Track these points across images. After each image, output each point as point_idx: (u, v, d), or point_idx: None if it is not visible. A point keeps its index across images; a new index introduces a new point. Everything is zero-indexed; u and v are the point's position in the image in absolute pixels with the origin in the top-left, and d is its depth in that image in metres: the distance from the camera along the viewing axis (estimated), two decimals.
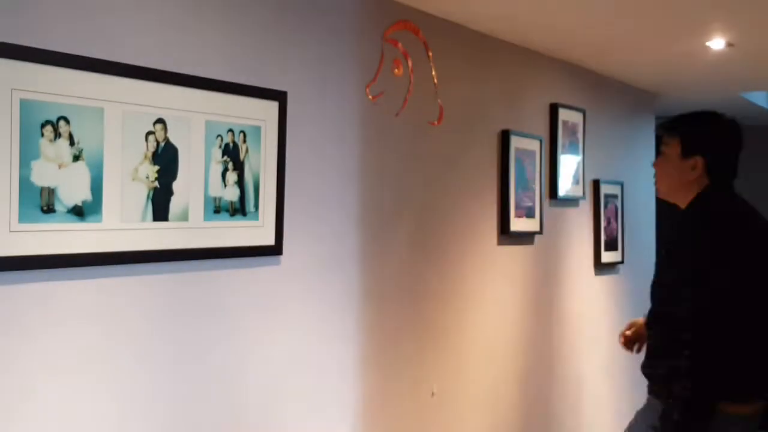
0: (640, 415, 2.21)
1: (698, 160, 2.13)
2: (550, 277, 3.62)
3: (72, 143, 1.73)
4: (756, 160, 6.42)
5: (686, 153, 2.14)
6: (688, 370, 1.92)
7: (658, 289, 2.12)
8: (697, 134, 2.17)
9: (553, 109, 3.63)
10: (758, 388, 2.04)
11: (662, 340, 2.07)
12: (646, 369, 2.17)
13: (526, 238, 3.43)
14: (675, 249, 2.08)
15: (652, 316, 2.15)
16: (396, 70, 2.70)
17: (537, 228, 3.47)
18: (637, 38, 3.34)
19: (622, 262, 4.22)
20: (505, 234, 3.27)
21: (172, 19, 1.96)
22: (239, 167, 2.12)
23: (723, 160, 2.18)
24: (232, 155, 2.11)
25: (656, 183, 2.25)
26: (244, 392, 2.17)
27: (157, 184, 1.92)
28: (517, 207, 3.33)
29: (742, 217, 2.14)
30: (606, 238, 4.08)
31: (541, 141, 3.50)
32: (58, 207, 1.71)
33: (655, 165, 2.25)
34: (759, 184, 6.44)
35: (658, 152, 2.27)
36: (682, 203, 2.18)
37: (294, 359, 2.32)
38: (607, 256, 4.08)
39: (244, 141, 2.13)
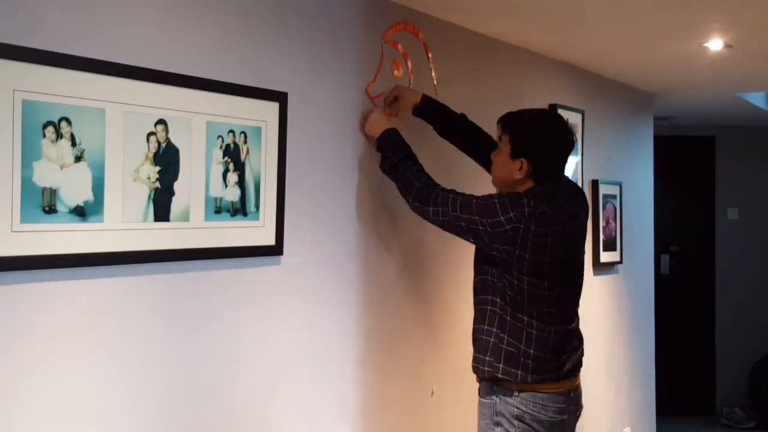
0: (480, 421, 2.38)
1: (524, 163, 2.29)
2: None
3: (74, 144, 1.74)
4: (756, 160, 6.45)
5: (514, 154, 2.31)
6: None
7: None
8: (525, 138, 2.32)
9: (553, 110, 3.64)
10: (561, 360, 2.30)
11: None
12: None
13: None
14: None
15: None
16: (396, 71, 2.70)
17: None
18: (635, 39, 3.35)
19: (620, 262, 4.23)
20: None
21: (173, 20, 1.97)
22: (240, 168, 2.13)
23: (547, 166, 2.33)
24: (233, 156, 2.11)
25: (491, 171, 2.48)
26: (244, 392, 2.17)
27: (158, 184, 1.92)
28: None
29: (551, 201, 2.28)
30: (605, 239, 4.09)
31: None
32: (59, 207, 1.72)
33: (492, 155, 2.44)
34: (759, 184, 6.46)
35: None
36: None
37: (294, 359, 2.32)
38: (605, 256, 4.09)
39: (245, 142, 2.14)
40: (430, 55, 2.86)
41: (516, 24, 3.05)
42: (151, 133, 1.90)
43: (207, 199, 2.05)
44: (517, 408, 2.25)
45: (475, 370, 2.36)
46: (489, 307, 2.31)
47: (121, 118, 1.83)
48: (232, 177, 2.11)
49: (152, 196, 1.91)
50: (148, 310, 1.92)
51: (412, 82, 2.77)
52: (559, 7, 2.84)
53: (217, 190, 2.07)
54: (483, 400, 2.34)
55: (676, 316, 6.22)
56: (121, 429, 1.87)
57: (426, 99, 2.65)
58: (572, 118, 3.77)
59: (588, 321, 3.93)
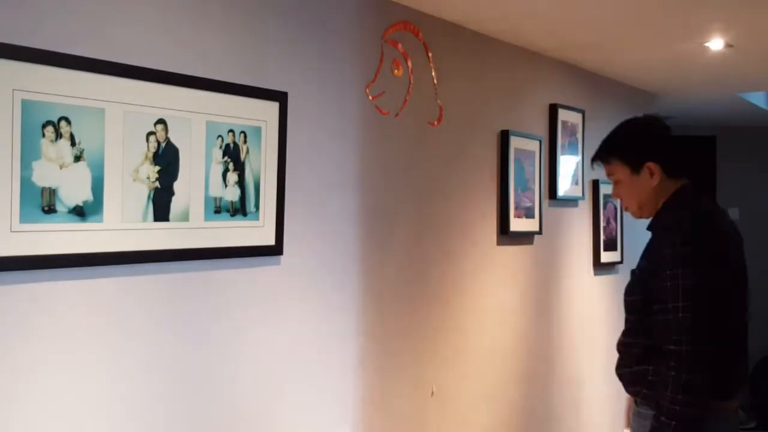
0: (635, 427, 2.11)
1: (650, 167, 2.09)
2: (550, 277, 3.62)
3: (73, 144, 1.74)
4: (756, 160, 6.45)
5: (635, 169, 2.10)
6: (676, 381, 1.89)
7: (638, 297, 2.07)
8: (635, 146, 2.13)
9: (553, 110, 3.64)
10: (739, 383, 2.09)
11: (643, 348, 2.04)
12: (623, 371, 2.12)
13: (525, 238, 3.44)
14: (656, 261, 2.00)
15: (633, 325, 2.10)
16: (396, 71, 2.70)
17: (536, 228, 3.47)
18: (636, 39, 3.35)
19: (621, 262, 4.23)
20: (504, 234, 3.28)
21: (173, 20, 1.97)
22: (240, 167, 2.13)
23: (668, 155, 2.12)
24: (233, 156, 2.11)
25: (627, 209, 2.20)
26: (244, 391, 2.17)
27: (157, 184, 1.92)
28: (516, 207, 3.34)
29: (711, 218, 2.07)
30: (605, 239, 4.09)
31: (540, 141, 3.51)
32: (59, 207, 1.72)
33: (615, 196, 2.22)
34: (760, 184, 6.46)
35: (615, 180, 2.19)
36: (654, 212, 2.13)
37: (294, 359, 2.32)
38: (606, 256, 4.08)
39: (245, 141, 2.14)
40: (430, 54, 2.86)
41: (516, 24, 3.05)
42: (150, 133, 1.90)
43: (207, 199, 2.04)
44: None
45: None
46: None
47: (121, 117, 1.83)
48: (232, 177, 2.11)
49: (152, 195, 1.91)
50: (147, 310, 1.92)
51: (412, 82, 2.77)
52: (559, 6, 2.83)
53: (216, 189, 2.07)
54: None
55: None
56: (121, 428, 1.87)
57: None
58: (572, 118, 3.78)
59: (588, 320, 3.94)
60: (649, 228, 2.12)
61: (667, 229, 2.00)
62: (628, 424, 2.19)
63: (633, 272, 2.14)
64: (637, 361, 2.05)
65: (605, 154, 2.17)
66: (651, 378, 1.98)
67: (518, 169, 3.34)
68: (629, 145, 2.14)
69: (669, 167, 2.10)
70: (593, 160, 2.23)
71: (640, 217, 2.18)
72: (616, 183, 2.17)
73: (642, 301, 2.03)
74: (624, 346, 2.12)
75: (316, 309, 2.39)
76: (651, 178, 2.09)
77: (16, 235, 1.64)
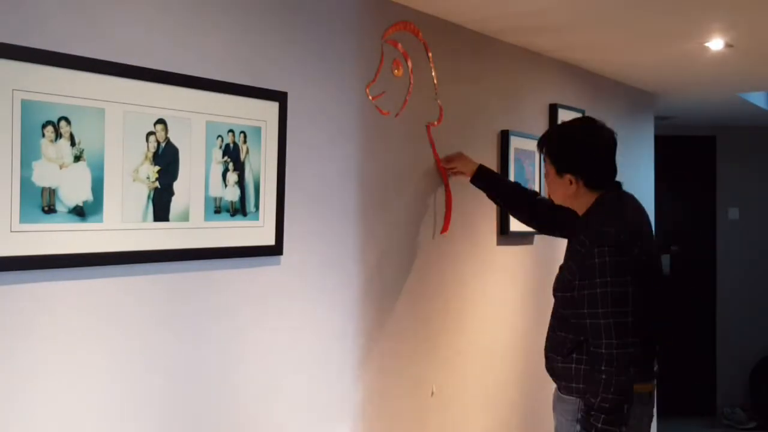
0: (560, 414, 2.35)
1: (571, 178, 2.30)
2: (550, 277, 3.61)
3: (73, 144, 1.74)
4: (756, 160, 6.45)
5: (559, 172, 2.33)
6: (607, 383, 2.11)
7: (565, 293, 2.28)
8: (563, 154, 2.33)
9: (553, 110, 3.64)
10: (652, 367, 2.32)
11: (571, 343, 2.26)
12: (553, 364, 2.34)
13: (525, 238, 3.44)
14: (586, 269, 2.18)
15: (559, 318, 2.33)
16: (396, 71, 2.70)
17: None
18: (636, 39, 3.35)
19: None
20: (504, 234, 3.28)
21: (173, 19, 1.97)
22: (240, 168, 2.13)
23: (595, 173, 2.31)
24: (233, 156, 2.11)
25: (549, 194, 2.45)
26: (244, 392, 2.17)
27: (157, 184, 1.92)
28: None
29: (632, 226, 2.25)
30: None
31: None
32: (59, 207, 1.72)
33: (545, 180, 2.45)
34: (760, 184, 6.46)
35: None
36: (580, 211, 2.35)
37: (294, 359, 2.32)
38: None
39: (245, 141, 2.14)
40: (430, 54, 2.86)
41: (516, 24, 3.05)
42: (150, 133, 1.90)
43: (206, 199, 2.04)
44: None
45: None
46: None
47: (121, 117, 1.83)
48: (232, 177, 2.11)
49: (152, 195, 1.91)
50: (147, 311, 1.92)
51: (412, 82, 2.77)
52: (559, 6, 2.83)
53: (216, 189, 2.07)
54: (566, 397, 2.31)
55: (677, 316, 6.22)
56: (121, 429, 1.87)
57: (481, 169, 2.86)
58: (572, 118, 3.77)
59: None
60: (572, 229, 2.36)
61: (594, 240, 2.17)
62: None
63: (562, 269, 2.36)
64: (568, 354, 2.27)
65: (541, 146, 2.41)
66: (582, 376, 2.23)
67: (518, 169, 3.34)
68: (556, 151, 2.35)
69: (589, 181, 2.30)
70: (538, 144, 2.46)
71: (562, 204, 2.42)
72: (545, 171, 2.41)
73: (575, 300, 2.22)
74: (556, 338, 2.34)
75: (316, 309, 2.39)
76: (570, 185, 2.31)
77: (16, 235, 1.64)
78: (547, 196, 2.54)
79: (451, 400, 2.98)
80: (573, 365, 2.26)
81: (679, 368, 6.10)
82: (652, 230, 2.41)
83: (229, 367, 2.13)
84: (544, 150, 2.39)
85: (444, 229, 2.93)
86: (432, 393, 2.88)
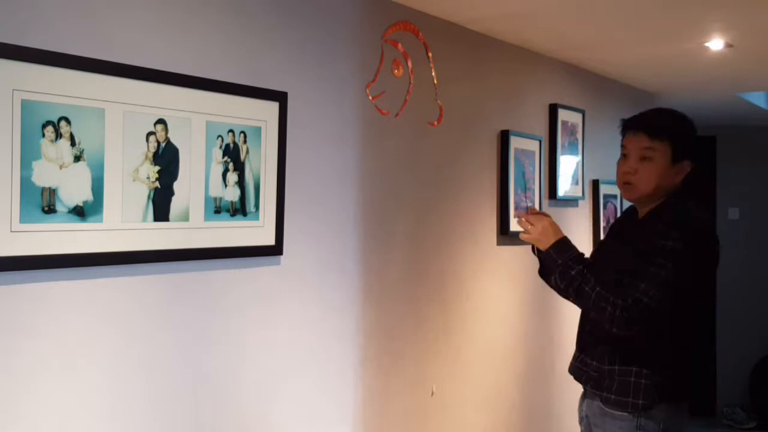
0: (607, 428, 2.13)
1: (686, 166, 2.10)
2: None
3: (73, 144, 1.74)
4: (756, 160, 6.45)
5: (676, 159, 2.08)
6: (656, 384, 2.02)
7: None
8: (688, 141, 2.10)
9: (553, 110, 3.64)
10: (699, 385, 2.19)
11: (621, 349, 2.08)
12: (593, 372, 2.16)
13: None
14: (654, 247, 1.99)
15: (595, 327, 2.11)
16: (396, 71, 2.70)
17: None
18: (636, 39, 3.35)
19: None
20: (504, 234, 3.28)
21: (173, 20, 1.97)
22: (240, 168, 2.13)
23: (699, 158, 2.14)
24: (233, 156, 2.11)
25: (632, 184, 2.12)
26: (244, 392, 2.17)
27: (157, 184, 1.92)
28: (516, 207, 3.34)
29: (706, 226, 2.10)
30: None
31: (540, 141, 3.51)
32: (59, 207, 1.72)
33: (631, 169, 2.11)
34: (760, 184, 6.46)
35: (624, 151, 2.14)
36: (648, 206, 2.13)
37: (294, 359, 2.32)
38: None
39: (245, 141, 2.14)
40: (430, 54, 2.86)
41: (516, 24, 3.05)
42: (150, 133, 1.90)
43: (206, 199, 2.04)
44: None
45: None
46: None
47: (121, 117, 1.83)
48: (232, 177, 2.11)
49: (152, 195, 1.91)
50: (147, 311, 1.92)
51: (412, 82, 2.77)
52: (559, 6, 2.83)
53: (216, 190, 2.07)
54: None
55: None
56: (121, 428, 1.87)
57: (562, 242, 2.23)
58: (572, 118, 3.78)
59: None
60: (642, 217, 2.14)
61: (675, 224, 2.00)
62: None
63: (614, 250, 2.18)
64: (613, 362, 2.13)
65: (658, 129, 2.08)
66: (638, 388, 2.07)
67: (518, 169, 3.35)
68: (686, 136, 2.10)
69: (692, 173, 2.11)
70: (631, 126, 2.13)
71: (636, 197, 2.14)
72: (643, 158, 2.09)
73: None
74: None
75: (316, 309, 2.40)
76: (676, 176, 2.09)
77: (16, 235, 1.64)
78: (621, 186, 2.18)
79: (451, 400, 2.98)
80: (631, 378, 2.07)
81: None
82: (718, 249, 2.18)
83: (229, 367, 2.13)
84: (663, 134, 2.07)
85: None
86: (432, 393, 2.89)
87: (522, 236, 2.24)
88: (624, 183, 2.15)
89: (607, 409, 2.09)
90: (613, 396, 2.07)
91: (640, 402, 2.04)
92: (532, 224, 2.20)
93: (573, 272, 2.07)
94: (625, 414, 2.06)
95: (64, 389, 1.75)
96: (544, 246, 2.16)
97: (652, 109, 2.22)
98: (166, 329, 1.96)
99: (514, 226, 3.31)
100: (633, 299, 1.96)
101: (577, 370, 2.24)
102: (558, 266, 2.11)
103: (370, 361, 2.60)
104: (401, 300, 2.75)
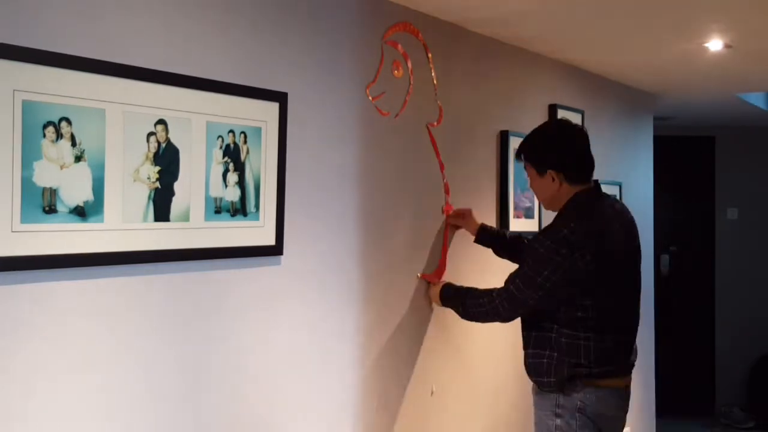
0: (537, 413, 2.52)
1: (553, 174, 2.43)
2: None
3: (74, 144, 1.74)
4: (755, 160, 6.45)
5: (540, 172, 2.46)
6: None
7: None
8: (540, 152, 2.47)
9: (552, 110, 3.64)
10: (627, 361, 2.48)
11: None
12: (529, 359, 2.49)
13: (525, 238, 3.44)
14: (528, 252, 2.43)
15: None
16: (396, 72, 2.71)
17: (536, 228, 3.47)
18: (635, 39, 3.35)
19: None
20: None
21: (173, 20, 1.97)
22: (240, 168, 2.13)
23: (573, 165, 2.45)
24: (233, 156, 2.11)
25: (538, 200, 2.61)
26: (244, 392, 2.17)
27: (158, 184, 1.92)
28: (516, 207, 3.34)
29: (599, 213, 2.42)
30: None
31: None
32: (59, 207, 1.72)
33: (530, 186, 2.59)
34: (759, 184, 6.46)
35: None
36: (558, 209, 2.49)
37: (294, 358, 2.32)
38: None
39: (245, 142, 2.14)
40: (430, 55, 2.86)
41: (516, 24, 3.05)
42: (151, 133, 1.90)
43: (207, 199, 2.05)
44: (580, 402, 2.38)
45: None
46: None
47: (121, 118, 1.83)
48: (232, 177, 2.11)
49: (152, 196, 1.91)
50: (147, 311, 1.92)
51: (412, 83, 2.77)
52: (559, 7, 2.84)
53: (217, 190, 2.07)
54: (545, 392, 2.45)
55: (676, 316, 6.22)
56: (121, 428, 1.87)
57: (482, 229, 2.95)
58: (572, 118, 3.77)
59: None
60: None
61: (546, 235, 2.39)
62: None
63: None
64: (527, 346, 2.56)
65: (519, 152, 2.56)
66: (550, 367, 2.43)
67: (518, 169, 3.35)
68: (537, 152, 2.49)
69: (569, 175, 2.43)
70: (516, 155, 2.65)
71: (550, 209, 2.54)
72: (529, 178, 2.55)
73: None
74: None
75: (317, 309, 2.40)
76: (553, 182, 2.44)
77: (16, 235, 1.64)
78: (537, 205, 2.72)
79: (451, 400, 2.99)
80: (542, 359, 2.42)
81: (678, 368, 6.10)
82: (629, 232, 2.51)
83: (229, 367, 2.13)
84: (522, 156, 2.52)
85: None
86: (432, 393, 2.89)
87: (430, 301, 2.84)
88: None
89: (537, 388, 2.48)
90: (534, 377, 2.45)
91: (553, 380, 2.37)
92: (429, 292, 2.83)
93: (459, 308, 2.63)
94: (547, 393, 2.41)
95: (64, 389, 1.75)
96: (442, 304, 2.76)
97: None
98: (166, 329, 1.97)
99: (514, 226, 3.32)
100: (498, 293, 2.46)
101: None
102: (454, 309, 2.67)
103: (370, 361, 2.60)
104: (401, 300, 2.75)
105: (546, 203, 2.54)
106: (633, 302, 2.49)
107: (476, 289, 2.59)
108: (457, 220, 2.95)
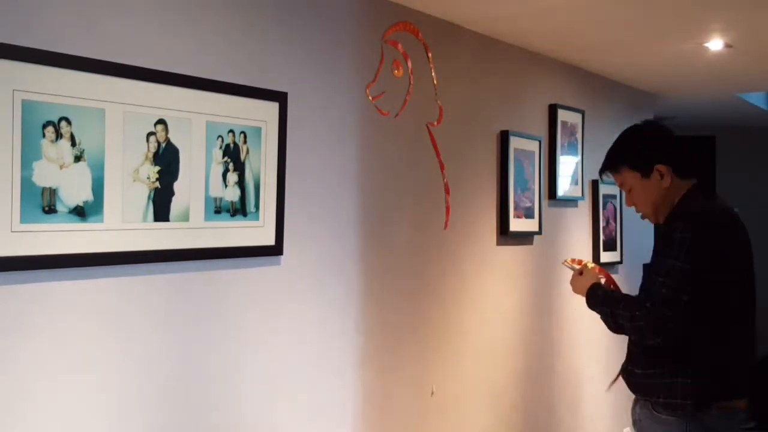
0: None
1: (660, 169, 2.13)
2: (550, 277, 3.62)
3: (73, 144, 1.74)
4: (756, 160, 6.45)
5: (645, 174, 2.14)
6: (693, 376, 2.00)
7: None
8: (642, 152, 2.16)
9: (552, 110, 3.64)
10: (745, 383, 2.18)
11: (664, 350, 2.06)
12: (649, 379, 2.11)
13: (525, 238, 3.44)
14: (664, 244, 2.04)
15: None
16: (396, 71, 2.70)
17: (536, 228, 3.47)
18: (636, 39, 3.35)
19: (620, 262, 4.23)
20: (504, 234, 3.28)
21: (173, 20, 1.97)
22: (240, 168, 2.13)
23: (676, 157, 2.15)
24: (233, 156, 2.11)
25: (643, 215, 2.22)
26: (244, 392, 2.17)
27: (158, 184, 1.92)
28: (516, 207, 3.34)
29: (721, 217, 2.11)
30: (605, 239, 4.09)
31: (540, 142, 3.51)
32: (59, 207, 1.72)
33: (629, 203, 2.24)
34: (759, 184, 6.46)
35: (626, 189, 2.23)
36: (664, 216, 2.16)
37: (294, 358, 2.32)
38: (605, 256, 4.09)
39: (245, 142, 2.14)
40: (430, 55, 2.86)
41: (516, 24, 3.05)
42: (150, 133, 1.90)
43: (207, 199, 2.04)
44: None
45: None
46: None
47: (121, 118, 1.83)
48: (232, 177, 2.11)
49: (152, 196, 1.91)
50: (147, 311, 1.92)
51: (412, 82, 2.77)
52: (559, 6, 2.83)
53: (216, 190, 2.07)
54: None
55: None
56: (121, 428, 1.87)
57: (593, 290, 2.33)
58: (572, 118, 3.78)
59: (588, 320, 3.93)
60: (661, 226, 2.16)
61: (679, 217, 2.05)
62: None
63: (645, 266, 2.18)
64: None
65: (614, 163, 2.20)
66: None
67: (518, 170, 3.35)
68: (636, 151, 2.17)
69: (678, 168, 2.13)
70: (602, 171, 2.26)
71: (657, 221, 2.19)
72: (628, 191, 2.20)
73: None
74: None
75: (316, 308, 2.40)
76: (662, 180, 2.12)
77: (16, 235, 1.64)
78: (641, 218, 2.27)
79: (451, 400, 2.99)
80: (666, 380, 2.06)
81: None
82: (746, 236, 2.21)
83: (229, 367, 2.13)
84: (618, 164, 2.19)
85: (445, 226, 2.94)
86: (432, 393, 2.89)
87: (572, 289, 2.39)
88: (639, 214, 2.26)
89: (656, 413, 2.09)
90: (661, 399, 2.06)
91: (689, 403, 2.03)
92: (573, 278, 2.36)
93: (604, 315, 2.16)
94: (673, 418, 2.05)
95: (64, 389, 1.75)
96: (586, 303, 2.26)
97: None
98: (166, 329, 1.96)
99: (515, 226, 3.32)
100: (652, 301, 1.99)
101: (626, 379, 2.22)
102: (599, 314, 2.19)
103: (370, 360, 2.60)
104: (401, 300, 2.75)
105: (655, 208, 2.16)
106: (753, 312, 2.17)
107: (629, 298, 2.12)
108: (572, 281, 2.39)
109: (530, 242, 3.48)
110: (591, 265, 2.38)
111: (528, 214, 3.43)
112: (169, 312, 1.97)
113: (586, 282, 2.29)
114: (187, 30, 2.00)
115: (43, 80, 1.67)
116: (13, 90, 1.63)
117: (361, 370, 2.56)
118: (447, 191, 2.96)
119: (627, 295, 2.16)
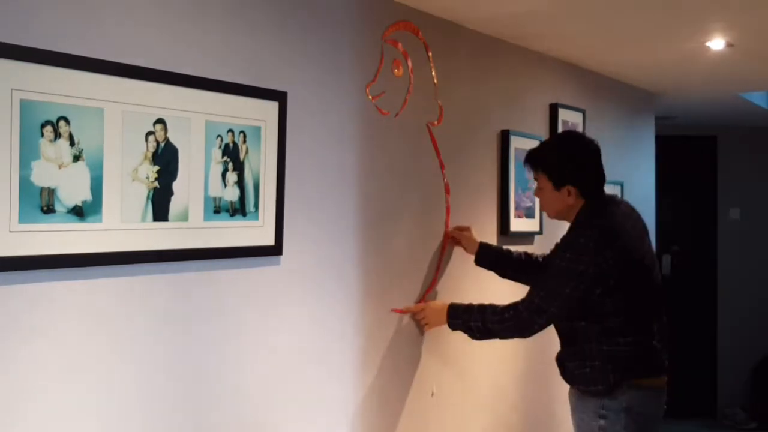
0: (579, 414, 2.54)
1: (570, 189, 2.46)
2: None
3: (72, 143, 1.74)
4: (758, 160, 6.44)
5: (557, 185, 2.47)
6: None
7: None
8: (562, 167, 2.47)
9: (553, 110, 3.64)
10: (662, 361, 2.49)
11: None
12: (576, 370, 2.51)
13: (525, 238, 3.43)
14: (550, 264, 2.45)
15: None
16: (396, 71, 2.70)
17: (537, 228, 3.47)
18: (636, 38, 3.35)
19: None
20: (504, 234, 3.27)
21: (172, 19, 1.97)
22: (239, 167, 2.12)
23: (589, 180, 2.48)
24: (232, 155, 2.11)
25: (543, 209, 2.63)
26: (243, 392, 2.17)
27: (157, 184, 1.92)
28: (516, 207, 3.34)
29: (613, 218, 2.44)
30: None
31: (540, 141, 3.50)
32: (58, 207, 1.71)
33: (536, 195, 2.60)
34: (761, 184, 6.45)
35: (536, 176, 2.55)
36: (570, 220, 2.51)
37: (293, 359, 2.32)
38: None
39: (244, 141, 2.14)
40: (430, 54, 2.86)
41: (516, 24, 3.05)
42: (149, 133, 1.90)
43: (206, 198, 2.04)
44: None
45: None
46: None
47: (120, 117, 1.83)
48: (231, 177, 2.10)
49: (151, 195, 1.91)
50: (146, 311, 1.92)
51: (412, 82, 2.77)
52: (559, 6, 2.83)
53: (216, 189, 2.07)
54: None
55: (678, 317, 6.21)
56: (121, 428, 1.87)
57: (483, 248, 2.87)
58: (573, 118, 3.78)
59: None
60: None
61: (569, 244, 2.41)
62: None
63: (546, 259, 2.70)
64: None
65: (535, 164, 2.53)
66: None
67: (518, 169, 3.34)
68: (554, 165, 2.48)
69: (585, 189, 2.47)
70: (525, 162, 2.58)
71: (556, 219, 2.57)
72: (539, 189, 2.54)
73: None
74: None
75: (316, 309, 2.39)
76: (568, 197, 2.46)
77: (14, 236, 1.64)
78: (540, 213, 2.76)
79: (451, 400, 2.98)
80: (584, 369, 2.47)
81: (680, 369, 6.09)
82: (640, 230, 2.52)
83: (228, 367, 2.12)
84: (538, 167, 2.50)
85: (445, 225, 2.93)
86: (432, 393, 2.88)
87: (425, 328, 2.76)
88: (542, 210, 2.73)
89: (579, 393, 2.51)
90: (582, 387, 2.47)
91: (600, 387, 2.39)
92: (422, 317, 2.71)
93: (472, 324, 2.54)
94: (591, 396, 2.44)
95: (63, 390, 1.75)
96: (443, 323, 2.62)
97: (548, 138, 2.71)
98: (165, 329, 1.96)
99: (515, 226, 3.31)
100: (525, 305, 2.43)
101: (560, 372, 2.61)
102: (464, 329, 2.57)
103: (369, 361, 2.60)
104: (401, 300, 2.74)
105: (554, 215, 2.56)
106: (659, 300, 2.50)
107: (494, 305, 2.54)
108: (455, 239, 2.90)
109: (530, 242, 3.48)
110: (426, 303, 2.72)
111: (529, 213, 3.43)
112: (168, 312, 1.97)
113: (437, 307, 2.65)
114: (186, 29, 2.00)
115: (42, 79, 1.67)
116: (12, 89, 1.62)
117: (360, 370, 2.56)
118: (447, 191, 2.95)
119: (487, 304, 2.55)
